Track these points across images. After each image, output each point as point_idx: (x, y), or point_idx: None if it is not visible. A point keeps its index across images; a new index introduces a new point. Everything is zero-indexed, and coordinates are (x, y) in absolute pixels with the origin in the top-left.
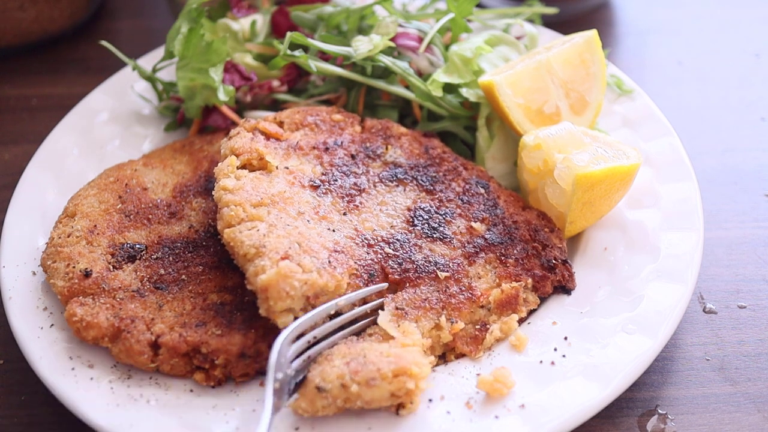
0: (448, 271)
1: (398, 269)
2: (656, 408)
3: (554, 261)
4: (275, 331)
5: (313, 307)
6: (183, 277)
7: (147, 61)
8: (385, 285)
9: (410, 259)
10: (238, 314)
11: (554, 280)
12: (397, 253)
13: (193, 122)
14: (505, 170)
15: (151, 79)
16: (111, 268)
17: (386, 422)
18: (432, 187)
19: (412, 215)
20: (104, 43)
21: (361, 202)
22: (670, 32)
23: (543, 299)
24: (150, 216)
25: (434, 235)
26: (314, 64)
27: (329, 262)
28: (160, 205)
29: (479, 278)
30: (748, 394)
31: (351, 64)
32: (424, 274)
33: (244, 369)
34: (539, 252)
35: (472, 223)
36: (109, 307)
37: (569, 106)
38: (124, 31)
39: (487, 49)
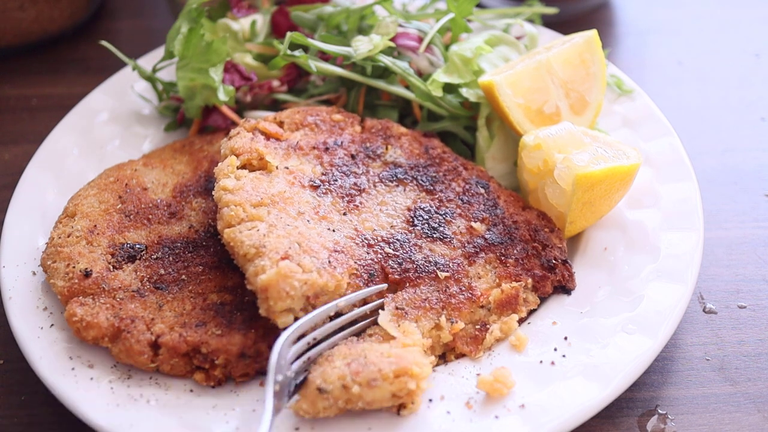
0: (448, 271)
1: (398, 269)
2: (656, 408)
3: (554, 261)
4: (275, 331)
5: (313, 307)
6: (183, 277)
7: (147, 61)
8: (385, 285)
9: (410, 259)
10: (238, 314)
11: (554, 280)
12: (397, 253)
13: (193, 122)
14: (505, 170)
15: (151, 79)
16: (111, 268)
17: (386, 422)
18: (432, 187)
19: (412, 215)
20: (104, 43)
21: (361, 202)
22: (670, 32)
23: (543, 299)
24: (150, 216)
25: (434, 235)
26: (314, 64)
27: (329, 262)
28: (160, 205)
29: (479, 278)
30: (748, 394)
31: (351, 64)
32: (424, 274)
33: (244, 369)
34: (539, 252)
35: (472, 223)
36: (109, 307)
37: (569, 106)
38: (124, 31)
39: (487, 49)
